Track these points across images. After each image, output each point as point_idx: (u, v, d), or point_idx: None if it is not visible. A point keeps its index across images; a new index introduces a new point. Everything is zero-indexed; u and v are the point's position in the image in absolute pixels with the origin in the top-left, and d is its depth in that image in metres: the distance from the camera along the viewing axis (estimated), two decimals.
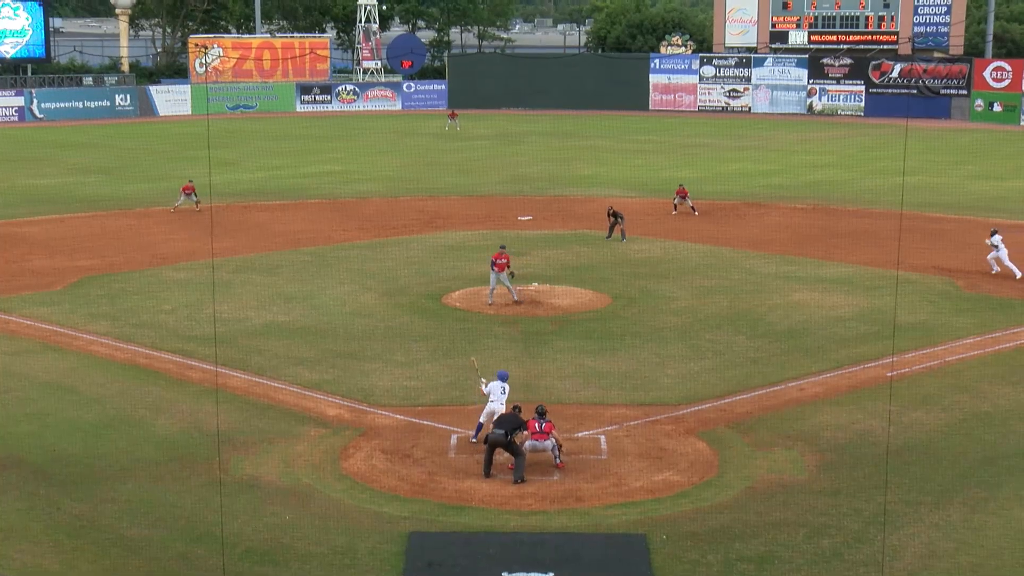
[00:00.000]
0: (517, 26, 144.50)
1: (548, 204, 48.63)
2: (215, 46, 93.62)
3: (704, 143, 72.66)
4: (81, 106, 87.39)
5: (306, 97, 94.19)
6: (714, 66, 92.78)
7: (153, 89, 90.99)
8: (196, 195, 46.29)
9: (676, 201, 46.19)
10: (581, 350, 27.00)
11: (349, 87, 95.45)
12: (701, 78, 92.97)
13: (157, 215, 46.06)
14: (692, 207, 45.96)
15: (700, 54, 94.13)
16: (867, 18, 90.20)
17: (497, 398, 20.81)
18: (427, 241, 40.48)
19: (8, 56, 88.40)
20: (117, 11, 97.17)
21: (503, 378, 21.41)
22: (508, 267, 30.86)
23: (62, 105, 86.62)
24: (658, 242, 40.36)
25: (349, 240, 40.61)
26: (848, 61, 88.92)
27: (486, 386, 21.25)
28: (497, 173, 58.51)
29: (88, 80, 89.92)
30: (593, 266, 36.26)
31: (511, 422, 19.80)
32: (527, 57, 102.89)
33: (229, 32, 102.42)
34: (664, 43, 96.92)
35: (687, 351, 27.02)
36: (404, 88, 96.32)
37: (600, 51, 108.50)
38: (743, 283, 33.98)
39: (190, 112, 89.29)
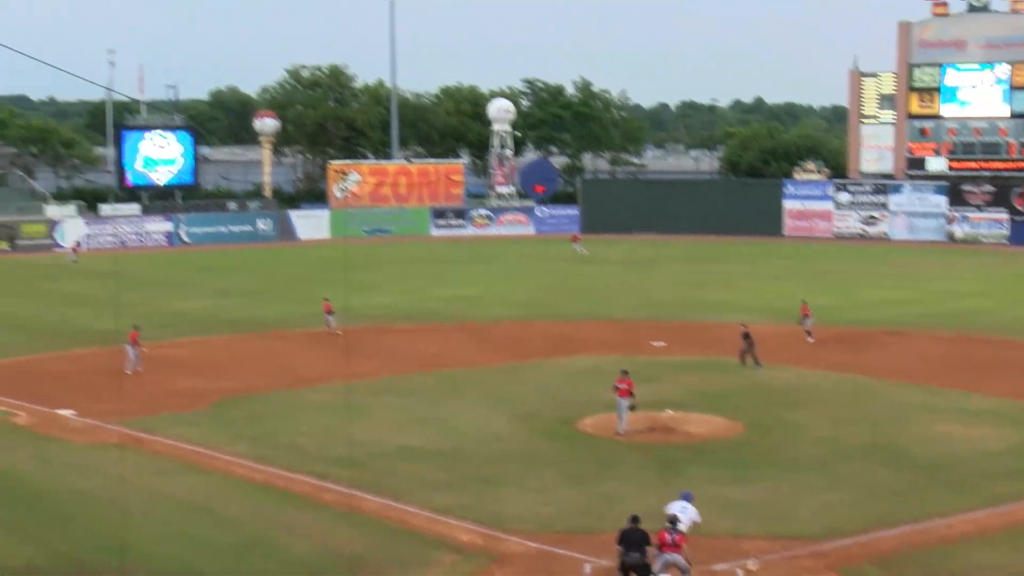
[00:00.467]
0: (649, 152, 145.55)
1: (681, 329, 48.32)
2: (353, 172, 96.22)
3: (840, 270, 71.63)
4: (225, 231, 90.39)
5: (441, 221, 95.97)
6: (850, 192, 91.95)
7: (293, 214, 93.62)
8: (334, 316, 47.22)
9: (804, 327, 45.42)
10: (715, 479, 26.47)
11: (483, 212, 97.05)
12: (836, 204, 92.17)
13: (296, 337, 47.04)
14: (809, 331, 45.14)
15: (835, 180, 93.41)
16: (1008, 145, 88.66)
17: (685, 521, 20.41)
18: (560, 366, 40.48)
19: (160, 183, 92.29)
20: (261, 139, 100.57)
21: (687, 498, 20.97)
22: (631, 394, 30.57)
23: (208, 230, 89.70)
24: (792, 369, 39.67)
25: (483, 364, 40.89)
26: (990, 188, 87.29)
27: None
28: (630, 298, 58.51)
29: (232, 205, 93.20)
30: (727, 393, 35.77)
31: (640, 540, 19.29)
32: (659, 182, 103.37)
33: (367, 158, 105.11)
34: (798, 169, 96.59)
35: (826, 482, 26.29)
36: (537, 213, 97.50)
37: (733, 176, 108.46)
38: (883, 413, 33.08)
39: (328, 236, 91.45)
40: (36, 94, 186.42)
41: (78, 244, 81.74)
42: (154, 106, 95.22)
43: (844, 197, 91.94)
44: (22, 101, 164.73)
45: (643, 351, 43.11)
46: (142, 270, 70.52)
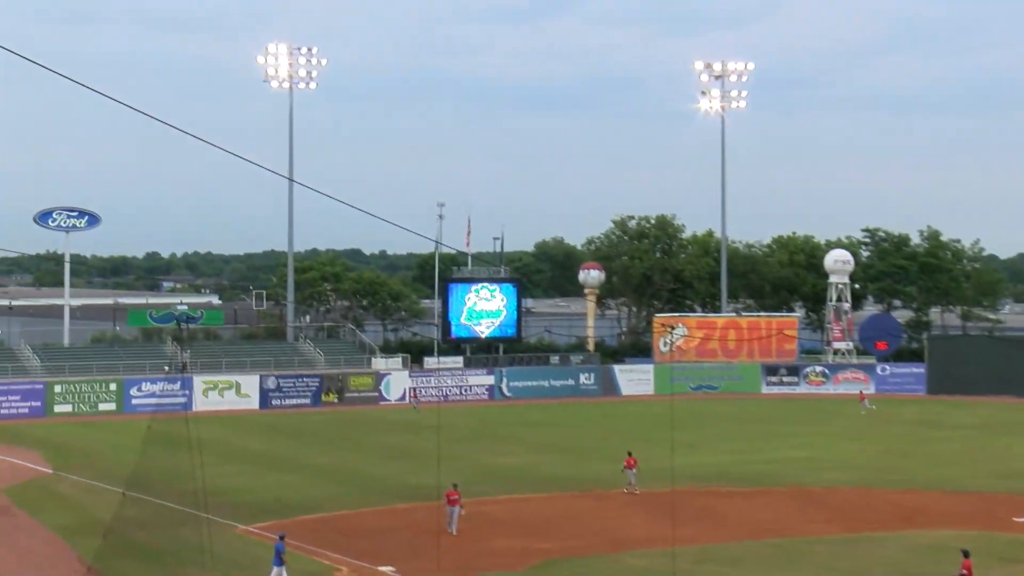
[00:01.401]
0: (1007, 307, 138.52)
1: None
2: (680, 325, 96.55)
3: None
4: (547, 385, 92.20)
5: (772, 378, 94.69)
6: None
7: (617, 368, 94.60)
8: (635, 472, 47.40)
9: None
10: None
11: (818, 368, 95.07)
12: None
13: (617, 497, 47.12)
14: None
15: None
16: None
17: None
18: (904, 540, 38.53)
19: (483, 336, 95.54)
20: (586, 291, 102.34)
21: None
22: None
23: (529, 384, 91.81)
24: None
25: (817, 533, 39.58)
26: None
27: None
28: (984, 466, 55.51)
29: (554, 359, 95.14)
30: None
31: None
32: (1020, 340, 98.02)
33: (694, 311, 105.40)
34: None
35: None
36: (878, 370, 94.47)
37: None
38: None
39: (653, 392, 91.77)
40: (369, 248, 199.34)
41: (415, 394, 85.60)
42: (479, 258, 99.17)
43: None
44: (356, 255, 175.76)
45: (1003, 527, 40.44)
46: (463, 423, 72.67)
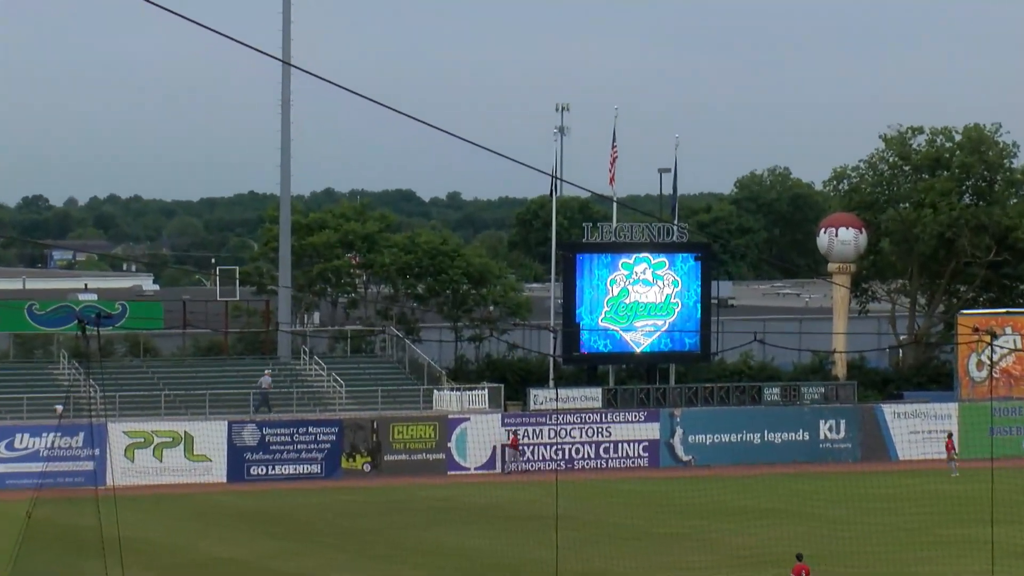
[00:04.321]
0: None
1: None
2: (1008, 329, 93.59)
3: None
4: (758, 441, 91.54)
5: None
6: None
7: (888, 410, 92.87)
8: None
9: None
10: None
11: None
12: None
13: None
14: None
15: None
16: None
17: None
18: None
19: (639, 350, 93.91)
20: (830, 267, 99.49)
21: None
22: None
23: (724, 439, 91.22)
24: None
25: None
26: None
27: None
28: None
29: (772, 394, 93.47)
30: None
31: None
32: None
33: None
34: None
35: None
36: None
37: None
38: None
39: (956, 452, 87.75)
40: (428, 190, 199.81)
41: (515, 439, 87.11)
42: (634, 207, 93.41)
43: None
44: (405, 202, 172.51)
45: None
46: (604, 512, 73.13)
